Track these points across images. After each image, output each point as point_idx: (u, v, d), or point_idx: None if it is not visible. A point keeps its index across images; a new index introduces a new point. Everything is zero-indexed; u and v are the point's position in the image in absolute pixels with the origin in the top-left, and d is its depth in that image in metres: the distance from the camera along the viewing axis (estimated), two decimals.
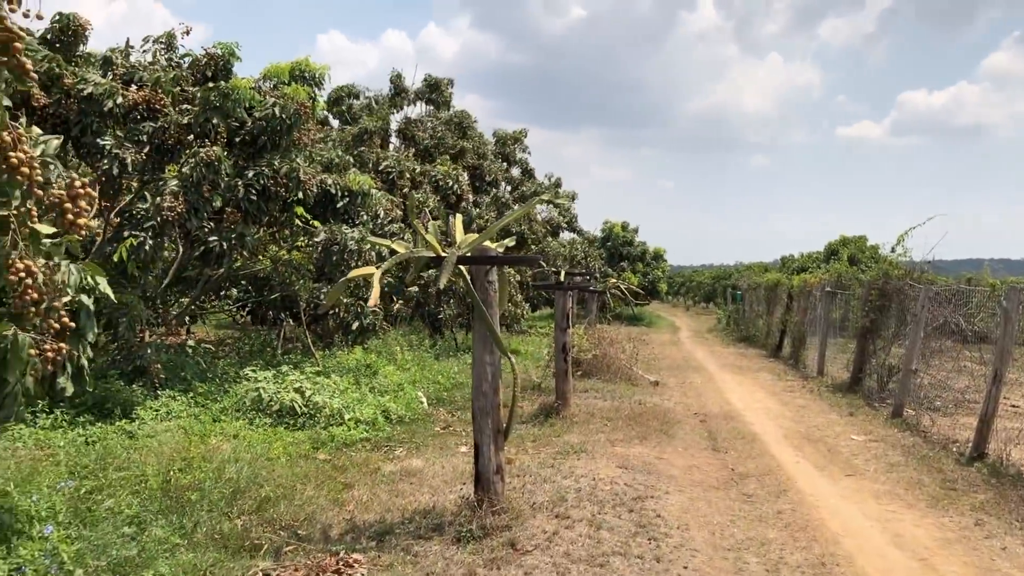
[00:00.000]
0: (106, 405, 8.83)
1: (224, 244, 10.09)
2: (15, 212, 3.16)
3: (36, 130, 3.53)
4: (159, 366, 9.58)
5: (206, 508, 5.72)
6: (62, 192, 3.44)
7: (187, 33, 10.97)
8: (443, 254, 5.32)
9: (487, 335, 5.42)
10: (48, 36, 10.26)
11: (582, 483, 6.97)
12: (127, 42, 10.40)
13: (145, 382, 9.40)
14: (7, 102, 4.44)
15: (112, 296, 5.09)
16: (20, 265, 3.12)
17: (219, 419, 9.02)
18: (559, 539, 5.48)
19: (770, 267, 38.28)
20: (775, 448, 9.27)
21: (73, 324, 4.88)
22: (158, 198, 9.28)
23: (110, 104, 9.29)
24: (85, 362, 5.29)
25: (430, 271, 14.35)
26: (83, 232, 3.39)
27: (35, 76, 3.00)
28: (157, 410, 8.90)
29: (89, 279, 4.98)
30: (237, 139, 10.54)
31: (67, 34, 10.25)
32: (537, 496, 6.43)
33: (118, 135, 9.48)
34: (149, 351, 9.68)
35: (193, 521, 5.44)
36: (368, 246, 11.37)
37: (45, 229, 3.20)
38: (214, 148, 9.59)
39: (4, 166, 2.99)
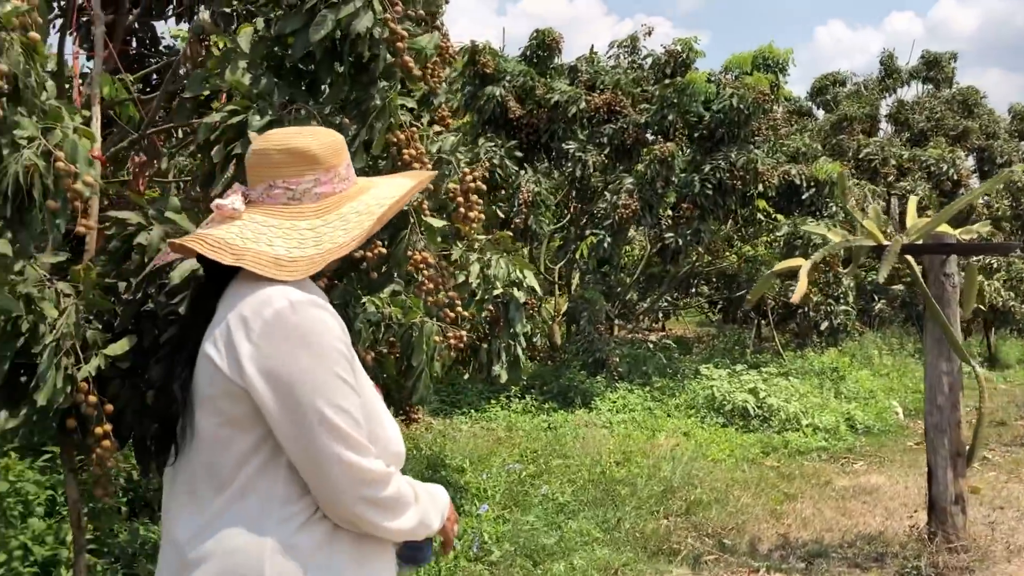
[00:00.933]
0: (569, 394, 9.34)
1: (680, 240, 10.08)
2: (412, 206, 3.35)
3: (435, 128, 3.72)
4: (617, 359, 9.88)
5: (634, 504, 5.64)
6: (455, 187, 3.57)
7: (649, 34, 11.21)
8: (884, 243, 4.55)
9: (942, 338, 4.52)
10: (527, 52, 11.22)
11: None
12: (591, 49, 10.97)
13: (606, 374, 9.76)
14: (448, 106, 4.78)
15: (538, 289, 5.26)
16: (418, 257, 3.29)
17: (672, 415, 8.99)
18: None
19: None
20: None
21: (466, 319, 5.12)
22: (614, 197, 9.58)
23: (573, 110, 9.82)
24: (520, 352, 5.55)
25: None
26: (475, 225, 3.48)
27: (418, 73, 3.11)
28: (614, 402, 9.17)
29: (518, 273, 5.21)
30: (696, 134, 10.46)
31: (543, 49, 11.10)
32: (1020, 537, 5.24)
33: (581, 139, 9.99)
34: (611, 345, 10.06)
35: (617, 516, 5.39)
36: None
37: (436, 223, 3.33)
38: (668, 144, 9.61)
39: (399, 163, 3.16)
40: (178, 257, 2.05)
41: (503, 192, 9.40)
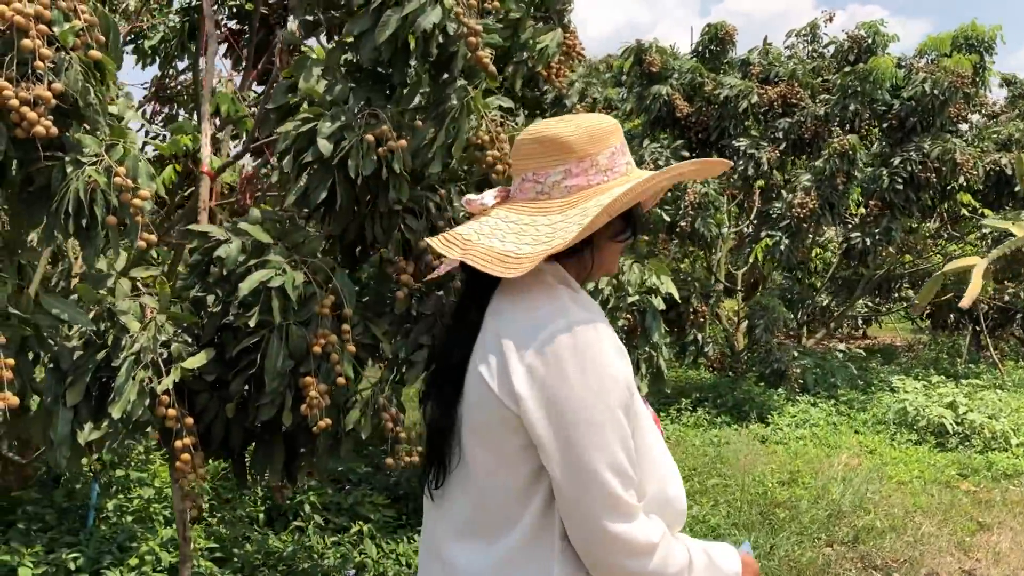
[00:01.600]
0: (744, 407, 8.81)
1: (867, 240, 9.26)
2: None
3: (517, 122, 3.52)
4: (799, 370, 9.22)
5: (793, 530, 5.16)
6: None
7: (830, 20, 10.42)
8: None
9: None
10: (699, 48, 10.78)
11: None
12: (764, 40, 10.33)
13: (786, 386, 9.13)
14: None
15: (677, 296, 4.93)
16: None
17: (859, 431, 8.26)
18: None
19: None
20: None
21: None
22: (790, 195, 8.95)
23: (744, 104, 9.28)
24: (663, 363, 5.23)
25: None
26: None
27: (494, 70, 2.93)
28: (794, 416, 8.55)
29: (654, 279, 4.91)
30: (884, 125, 9.61)
31: (715, 43, 10.62)
32: None
33: (754, 135, 9.42)
34: (793, 355, 9.40)
35: (771, 543, 4.95)
36: None
37: None
38: (848, 137, 8.86)
39: (483, 166, 3.00)
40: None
41: (668, 194, 9.04)
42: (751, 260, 9.43)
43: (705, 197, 8.66)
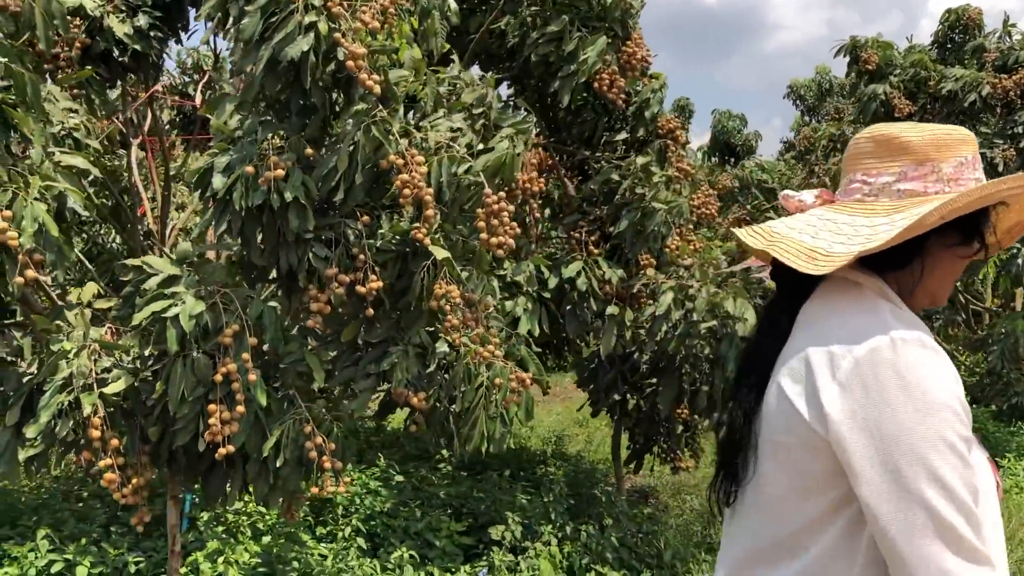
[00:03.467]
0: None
1: None
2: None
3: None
4: None
5: None
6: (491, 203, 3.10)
7: None
8: None
9: None
10: (938, 38, 9.54)
11: None
12: (1005, 20, 8.81)
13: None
14: None
15: (751, 323, 4.38)
16: (439, 290, 2.97)
17: None
18: None
19: None
20: None
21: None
22: None
23: (972, 97, 8.02)
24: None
25: None
26: (501, 252, 3.00)
27: (378, 91, 2.82)
28: None
29: (731, 304, 4.41)
30: None
31: (955, 30, 9.34)
32: None
33: (985, 131, 8.10)
34: None
35: None
36: None
37: (439, 252, 2.94)
38: None
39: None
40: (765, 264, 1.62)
41: None
42: (981, 277, 8.05)
43: None
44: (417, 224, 2.97)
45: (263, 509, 4.96)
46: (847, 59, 9.30)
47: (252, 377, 2.87)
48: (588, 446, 8.06)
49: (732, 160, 18.79)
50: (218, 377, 2.86)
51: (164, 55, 4.29)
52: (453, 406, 3.20)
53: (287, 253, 2.99)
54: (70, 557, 4.08)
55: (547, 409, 10.13)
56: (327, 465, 3.04)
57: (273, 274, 3.20)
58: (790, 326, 1.35)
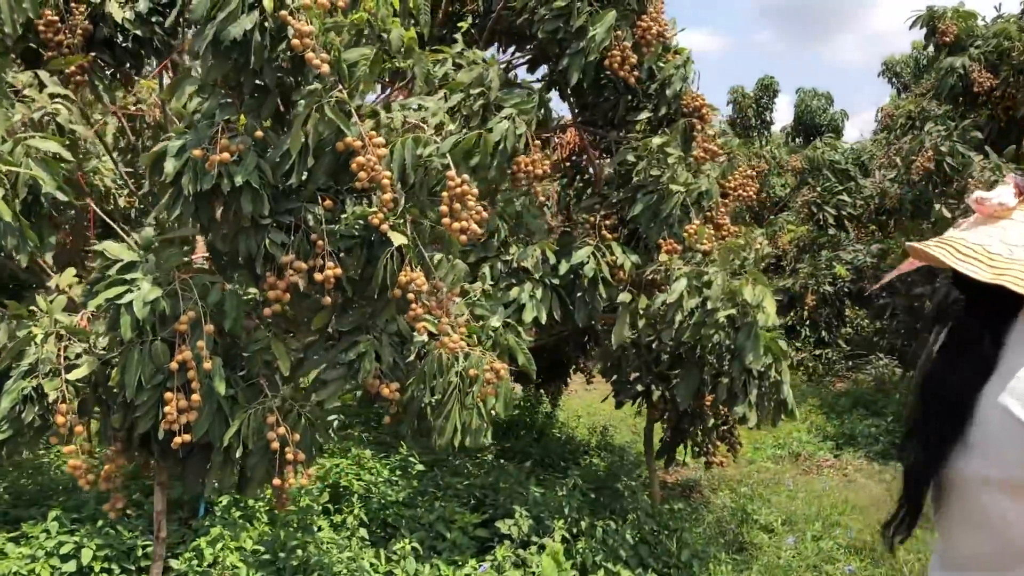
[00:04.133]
0: None
1: None
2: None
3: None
4: None
5: None
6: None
7: None
8: None
9: None
10: None
11: None
12: None
13: None
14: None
15: (771, 314, 4.10)
16: (403, 278, 2.84)
17: None
18: None
19: None
20: None
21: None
22: None
23: None
24: (786, 391, 4.41)
25: None
26: (464, 238, 2.85)
27: (326, 69, 2.70)
28: None
29: (749, 292, 4.15)
30: None
31: None
32: None
33: None
34: None
35: None
36: None
37: (397, 238, 2.81)
38: None
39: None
40: (922, 265, 1.43)
41: (953, 187, 7.60)
42: None
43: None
44: (373, 209, 2.85)
45: None
46: (923, 31, 8.74)
47: (208, 365, 2.81)
48: (636, 438, 7.83)
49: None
50: (174, 365, 2.81)
51: (172, 41, 4.27)
52: (433, 397, 3.07)
53: (245, 239, 2.91)
54: (79, 540, 4.14)
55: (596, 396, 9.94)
56: (289, 456, 2.97)
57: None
58: (997, 351, 1.17)
